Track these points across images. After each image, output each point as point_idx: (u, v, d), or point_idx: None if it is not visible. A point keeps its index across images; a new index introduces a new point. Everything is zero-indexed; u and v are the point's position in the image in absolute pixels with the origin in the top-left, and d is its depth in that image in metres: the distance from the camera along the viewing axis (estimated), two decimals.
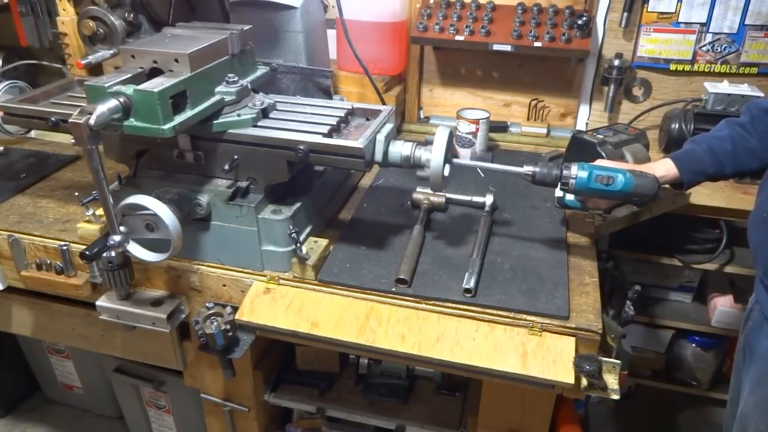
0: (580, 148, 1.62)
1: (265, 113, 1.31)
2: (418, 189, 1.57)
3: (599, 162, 1.33)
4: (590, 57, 1.87)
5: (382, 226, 1.48)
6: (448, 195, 1.56)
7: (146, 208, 1.14)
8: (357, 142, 1.17)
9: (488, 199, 1.55)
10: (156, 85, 1.10)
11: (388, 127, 1.27)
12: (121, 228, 1.17)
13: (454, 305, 1.24)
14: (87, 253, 1.18)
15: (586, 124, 2.02)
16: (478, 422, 1.48)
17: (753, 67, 1.83)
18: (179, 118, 1.14)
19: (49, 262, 1.42)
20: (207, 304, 1.31)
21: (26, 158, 1.82)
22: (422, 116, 2.15)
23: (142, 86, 1.10)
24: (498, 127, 2.04)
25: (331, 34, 1.90)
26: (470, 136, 1.83)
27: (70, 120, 1.04)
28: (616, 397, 1.17)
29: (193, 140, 1.29)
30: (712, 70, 1.85)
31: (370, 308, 1.26)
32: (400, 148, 1.24)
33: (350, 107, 1.39)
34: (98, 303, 1.35)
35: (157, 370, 1.97)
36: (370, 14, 1.84)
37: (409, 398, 1.74)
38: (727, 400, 1.50)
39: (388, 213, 1.55)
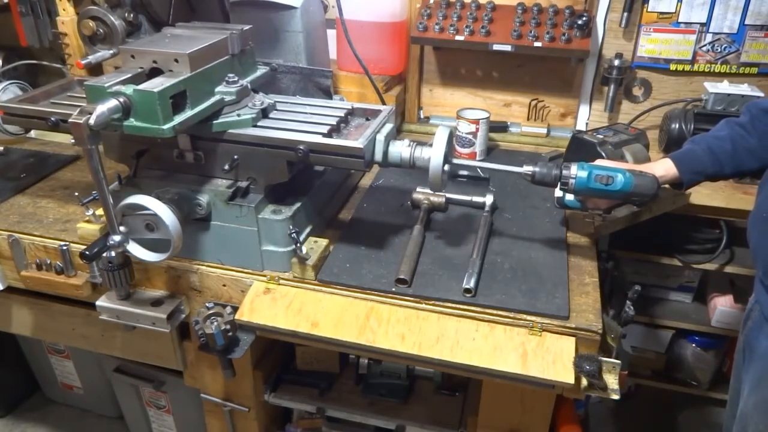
0: (580, 148, 1.62)
1: (265, 113, 1.31)
2: (418, 189, 1.57)
3: (599, 162, 1.33)
4: (590, 57, 1.87)
5: (382, 226, 1.48)
6: (448, 195, 1.56)
7: (146, 208, 1.14)
8: (357, 142, 1.17)
9: (488, 199, 1.55)
10: (156, 85, 1.10)
11: (388, 127, 1.27)
12: (121, 228, 1.17)
13: (454, 305, 1.24)
14: (87, 253, 1.18)
15: (586, 124, 2.02)
16: (478, 422, 1.48)
17: (753, 67, 1.83)
18: (179, 118, 1.14)
19: (49, 262, 1.42)
20: (207, 304, 1.31)
21: (26, 158, 1.82)
22: (422, 116, 2.15)
23: (141, 86, 1.10)
24: (498, 127, 2.03)
25: (331, 34, 1.90)
26: (470, 136, 1.84)
27: (69, 120, 1.04)
28: (616, 397, 1.17)
29: (193, 140, 1.29)
30: (712, 70, 1.85)
31: (370, 308, 1.26)
32: (400, 148, 1.24)
33: (350, 107, 1.39)
34: (98, 303, 1.36)
35: (157, 370, 1.97)
36: (370, 14, 1.84)
37: (409, 398, 1.74)
38: (727, 400, 1.50)
39: (388, 213, 1.55)
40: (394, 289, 1.26)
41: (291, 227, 1.26)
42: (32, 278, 1.44)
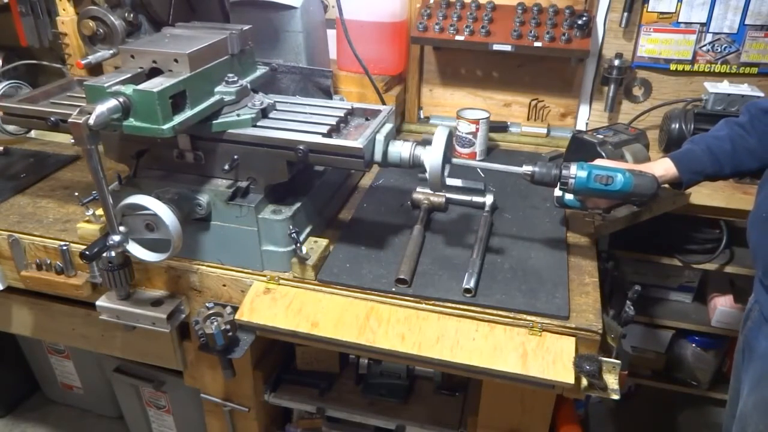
0: (580, 148, 1.62)
1: (264, 113, 1.31)
2: (418, 189, 1.57)
3: (599, 162, 1.33)
4: (590, 57, 1.87)
5: (382, 226, 1.48)
6: (448, 195, 1.56)
7: (146, 208, 1.14)
8: (356, 142, 1.17)
9: (488, 199, 1.55)
10: (155, 85, 1.10)
11: (388, 127, 1.27)
12: (121, 228, 1.17)
13: (454, 305, 1.24)
14: (87, 253, 1.17)
15: (586, 124, 2.02)
16: (478, 422, 1.48)
17: (753, 67, 1.83)
18: (179, 118, 1.14)
19: (49, 262, 1.42)
20: (207, 304, 1.31)
21: (26, 158, 1.82)
22: (422, 116, 2.15)
23: (141, 86, 1.10)
24: (498, 127, 2.03)
25: (331, 34, 1.90)
26: (470, 136, 1.84)
27: (69, 120, 1.04)
28: (616, 397, 1.17)
29: (192, 140, 1.29)
30: (712, 70, 1.85)
31: (370, 308, 1.26)
32: (400, 148, 1.24)
33: (350, 107, 1.39)
34: (98, 303, 1.36)
35: (157, 370, 1.97)
36: (370, 14, 1.84)
37: (409, 398, 1.74)
38: (727, 400, 1.50)
39: (388, 213, 1.55)
40: (394, 289, 1.26)
41: (291, 227, 1.26)
42: (32, 278, 1.44)
